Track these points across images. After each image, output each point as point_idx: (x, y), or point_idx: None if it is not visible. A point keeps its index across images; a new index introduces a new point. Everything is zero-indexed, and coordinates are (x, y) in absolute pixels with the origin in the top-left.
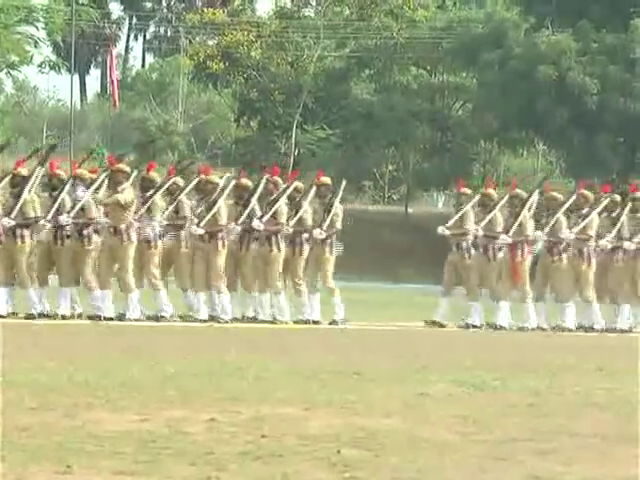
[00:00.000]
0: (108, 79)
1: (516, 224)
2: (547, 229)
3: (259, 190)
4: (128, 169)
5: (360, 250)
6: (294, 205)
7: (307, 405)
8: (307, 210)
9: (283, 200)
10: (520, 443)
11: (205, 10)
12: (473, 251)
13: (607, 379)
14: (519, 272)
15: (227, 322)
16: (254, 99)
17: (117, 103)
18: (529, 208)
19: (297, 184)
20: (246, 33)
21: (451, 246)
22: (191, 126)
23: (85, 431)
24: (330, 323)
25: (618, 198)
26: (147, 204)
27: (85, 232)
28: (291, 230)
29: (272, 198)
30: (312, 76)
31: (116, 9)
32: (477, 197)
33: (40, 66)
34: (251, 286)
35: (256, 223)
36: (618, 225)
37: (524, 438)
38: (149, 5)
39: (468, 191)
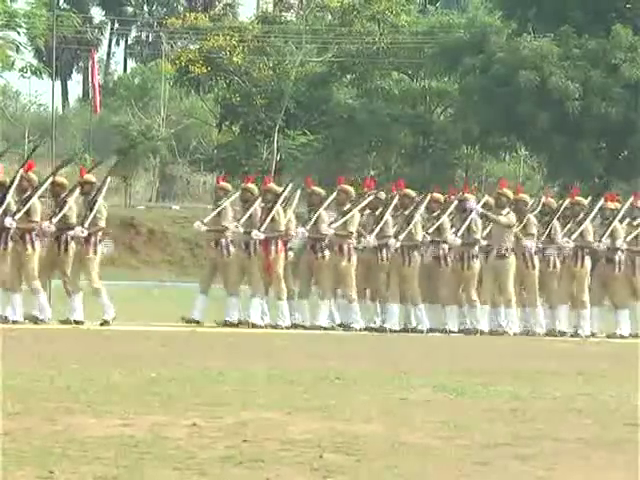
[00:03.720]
0: (90, 84)
1: (268, 220)
2: (309, 225)
3: (14, 186)
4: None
5: None
6: (60, 202)
7: (289, 410)
8: (72, 207)
9: (36, 197)
10: (502, 448)
11: (187, 15)
12: (232, 248)
13: (587, 384)
14: (273, 268)
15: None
16: (236, 104)
17: (98, 108)
18: (286, 204)
19: (59, 179)
20: (228, 38)
21: (210, 243)
22: (173, 131)
23: (67, 436)
24: (101, 324)
25: (383, 196)
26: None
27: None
28: (54, 228)
29: (26, 195)
30: (294, 81)
31: (98, 14)
32: (237, 193)
33: (22, 71)
34: (12, 284)
35: (8, 221)
36: (381, 223)
37: (506, 443)
38: (131, 10)
39: (228, 187)
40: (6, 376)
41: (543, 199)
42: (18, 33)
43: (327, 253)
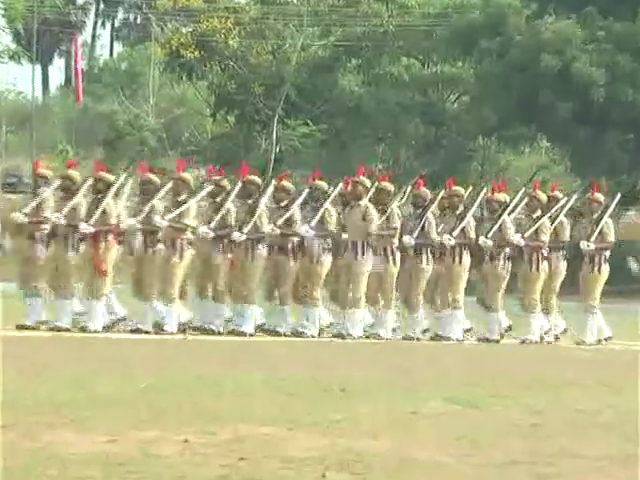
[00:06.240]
0: (73, 70)
1: (99, 212)
2: (141, 217)
3: None
4: None
5: None
6: None
7: (289, 425)
8: None
9: None
10: (520, 466)
11: None
12: (52, 242)
13: (612, 396)
14: (103, 265)
15: None
16: (232, 91)
17: (81, 96)
18: (116, 194)
19: None
20: (223, 20)
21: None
22: (163, 121)
23: (47, 453)
24: None
25: (227, 184)
26: None
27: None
28: None
29: None
30: (295, 67)
31: None
32: (57, 182)
33: None
34: None
35: None
36: (221, 212)
37: (524, 461)
38: None
39: (49, 173)
40: None
41: (409, 189)
42: None
43: (160, 247)
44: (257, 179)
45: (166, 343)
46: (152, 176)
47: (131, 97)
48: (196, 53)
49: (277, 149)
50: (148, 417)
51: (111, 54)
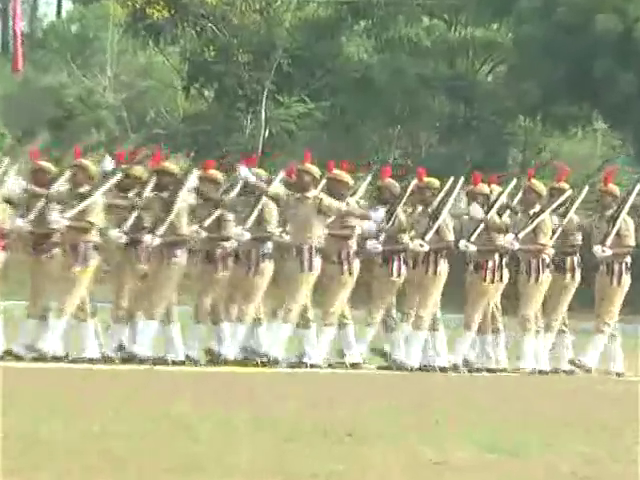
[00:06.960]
0: (10, 32)
1: None
2: (32, 215)
3: None
4: None
5: None
6: None
7: (282, 476)
8: None
9: None
10: None
11: None
12: None
13: None
14: None
15: None
16: (210, 60)
17: (20, 65)
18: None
19: None
20: None
21: None
22: (123, 97)
23: None
24: None
25: (141, 172)
26: None
27: None
28: None
29: None
30: (289, 30)
31: None
32: None
33: None
34: None
35: None
36: (140, 213)
37: None
38: None
39: None
40: None
41: (369, 179)
42: None
43: (56, 252)
44: (174, 168)
45: (125, 375)
46: (45, 164)
47: (84, 67)
48: (165, 12)
49: (266, 132)
50: (105, 467)
51: (59, 13)
